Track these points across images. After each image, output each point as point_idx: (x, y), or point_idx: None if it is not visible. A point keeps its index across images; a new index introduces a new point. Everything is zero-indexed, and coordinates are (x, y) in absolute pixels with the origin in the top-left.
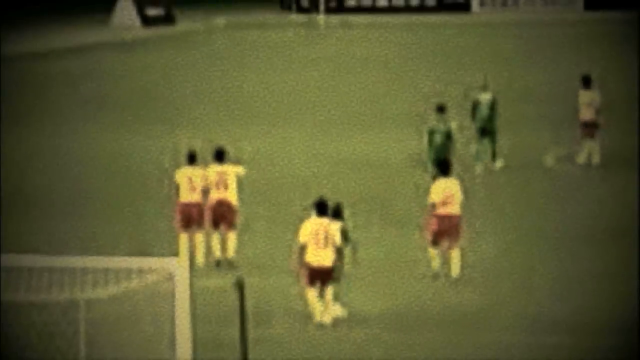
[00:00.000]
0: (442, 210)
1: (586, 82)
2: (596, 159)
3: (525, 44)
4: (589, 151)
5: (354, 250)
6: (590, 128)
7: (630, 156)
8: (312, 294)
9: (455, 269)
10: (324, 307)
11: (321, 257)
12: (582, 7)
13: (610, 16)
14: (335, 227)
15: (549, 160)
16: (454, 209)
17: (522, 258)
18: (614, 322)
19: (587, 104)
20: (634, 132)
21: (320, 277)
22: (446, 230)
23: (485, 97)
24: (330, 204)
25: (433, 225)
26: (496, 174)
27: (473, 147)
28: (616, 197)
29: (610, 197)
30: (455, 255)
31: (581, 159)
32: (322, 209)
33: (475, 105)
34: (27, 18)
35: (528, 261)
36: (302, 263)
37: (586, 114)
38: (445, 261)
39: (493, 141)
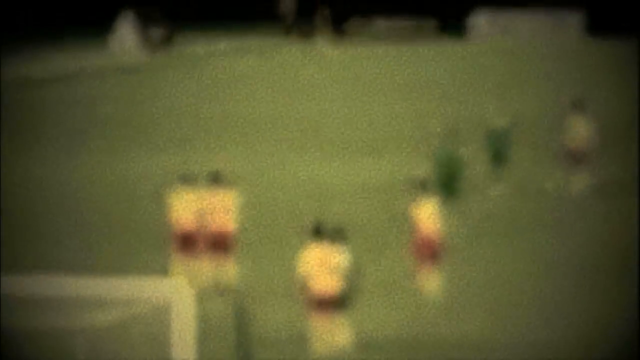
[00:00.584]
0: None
1: (576, 108)
2: (583, 186)
3: (524, 70)
4: (578, 178)
5: (357, 276)
6: (578, 155)
7: (629, 182)
8: (317, 322)
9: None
10: (331, 335)
11: (324, 284)
12: (583, 33)
13: (611, 42)
14: (337, 252)
15: (549, 186)
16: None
17: (518, 283)
18: (611, 349)
19: (579, 129)
20: (634, 158)
21: (326, 304)
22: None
23: (497, 123)
24: (332, 228)
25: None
26: (499, 199)
27: (481, 171)
28: (614, 224)
29: (607, 224)
30: (435, 277)
31: (574, 186)
32: (319, 233)
33: (490, 132)
34: (25, 42)
35: (524, 286)
36: (306, 292)
37: (577, 140)
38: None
39: (502, 166)
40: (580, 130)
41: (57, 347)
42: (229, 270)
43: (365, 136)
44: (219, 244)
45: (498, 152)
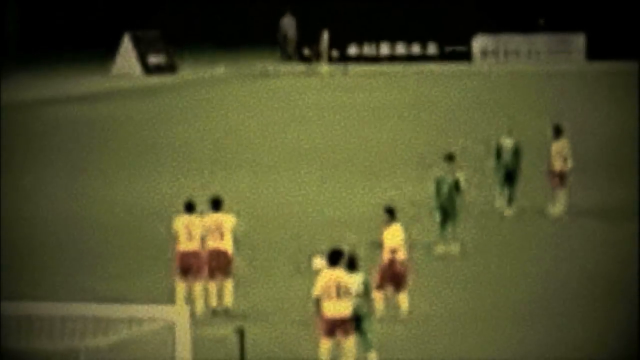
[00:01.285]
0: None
1: (557, 132)
2: (563, 208)
3: (526, 94)
4: (558, 200)
5: (370, 303)
6: (560, 177)
7: (630, 203)
8: (325, 345)
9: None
10: (341, 357)
11: (336, 308)
12: (583, 57)
13: (612, 66)
14: (351, 279)
15: (553, 209)
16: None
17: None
18: None
19: (558, 153)
20: (636, 178)
21: (338, 327)
22: (391, 275)
23: (508, 143)
24: (348, 254)
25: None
26: (507, 220)
27: (494, 192)
28: (614, 248)
29: (606, 247)
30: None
31: (554, 209)
32: (334, 259)
33: (499, 151)
34: (27, 65)
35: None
36: (319, 315)
37: (557, 164)
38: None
39: (512, 187)
40: (562, 153)
41: None
42: (229, 293)
43: (368, 159)
44: (219, 268)
45: (507, 170)
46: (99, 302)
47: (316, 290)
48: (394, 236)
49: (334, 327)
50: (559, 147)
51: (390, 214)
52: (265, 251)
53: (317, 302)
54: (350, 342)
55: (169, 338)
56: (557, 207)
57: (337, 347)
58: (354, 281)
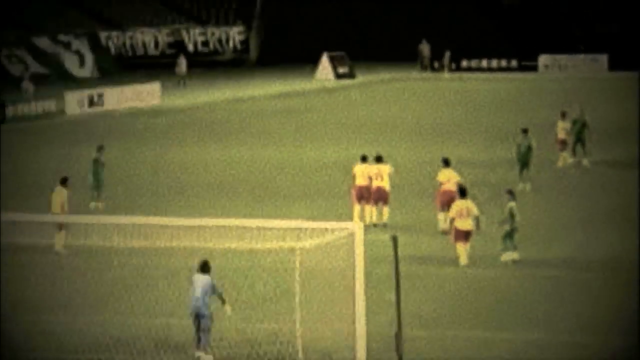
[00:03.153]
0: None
1: (563, 115)
2: (566, 163)
3: (569, 93)
4: (563, 159)
5: (480, 223)
6: (564, 143)
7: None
8: (460, 248)
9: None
10: (464, 255)
11: (464, 224)
12: (607, 69)
13: (624, 75)
14: (472, 204)
15: (558, 164)
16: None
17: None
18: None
19: (562, 128)
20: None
21: (466, 236)
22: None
23: (524, 140)
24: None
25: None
26: (528, 193)
27: (515, 174)
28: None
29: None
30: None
31: (559, 164)
32: (463, 192)
33: (518, 146)
34: (264, 72)
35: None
36: (453, 228)
37: (562, 135)
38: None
39: (528, 170)
40: (564, 129)
41: None
42: (386, 214)
43: (479, 128)
44: (381, 197)
45: (523, 160)
46: (313, 220)
47: (452, 213)
48: (465, 208)
49: (465, 236)
50: (564, 125)
51: (445, 162)
52: (408, 187)
53: (452, 220)
54: (468, 245)
55: (351, 241)
56: (561, 162)
57: (464, 250)
58: (473, 206)
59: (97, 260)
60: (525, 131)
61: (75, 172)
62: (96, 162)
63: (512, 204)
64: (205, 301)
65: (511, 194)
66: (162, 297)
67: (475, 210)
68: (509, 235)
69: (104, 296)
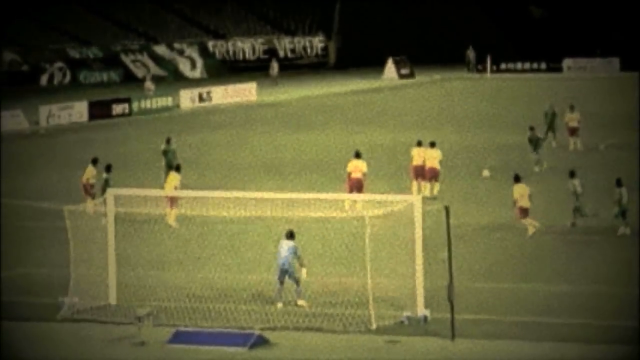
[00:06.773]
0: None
1: (571, 108)
2: (580, 147)
3: (589, 90)
4: (574, 143)
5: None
6: (574, 130)
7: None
8: (525, 221)
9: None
10: (532, 227)
11: (525, 203)
12: (618, 70)
13: (632, 75)
14: (526, 188)
15: (601, 146)
16: (524, 201)
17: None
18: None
19: (572, 118)
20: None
21: (527, 213)
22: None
23: (532, 133)
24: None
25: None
26: (541, 173)
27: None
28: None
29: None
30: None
31: (570, 147)
32: (517, 178)
33: (530, 139)
34: (342, 73)
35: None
36: (516, 205)
37: (572, 124)
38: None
39: (538, 154)
40: (573, 119)
41: None
42: (436, 189)
43: (511, 115)
44: (433, 175)
45: (533, 148)
46: (380, 193)
47: (515, 194)
48: (523, 191)
49: (526, 213)
50: (574, 116)
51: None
52: (455, 169)
53: (515, 202)
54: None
55: (410, 211)
56: (571, 145)
57: (529, 224)
58: (526, 188)
59: (200, 229)
60: (532, 129)
61: (189, 156)
62: (165, 152)
63: (576, 181)
64: (289, 261)
65: (572, 174)
66: (256, 257)
67: (527, 191)
68: (621, 213)
69: (208, 257)
